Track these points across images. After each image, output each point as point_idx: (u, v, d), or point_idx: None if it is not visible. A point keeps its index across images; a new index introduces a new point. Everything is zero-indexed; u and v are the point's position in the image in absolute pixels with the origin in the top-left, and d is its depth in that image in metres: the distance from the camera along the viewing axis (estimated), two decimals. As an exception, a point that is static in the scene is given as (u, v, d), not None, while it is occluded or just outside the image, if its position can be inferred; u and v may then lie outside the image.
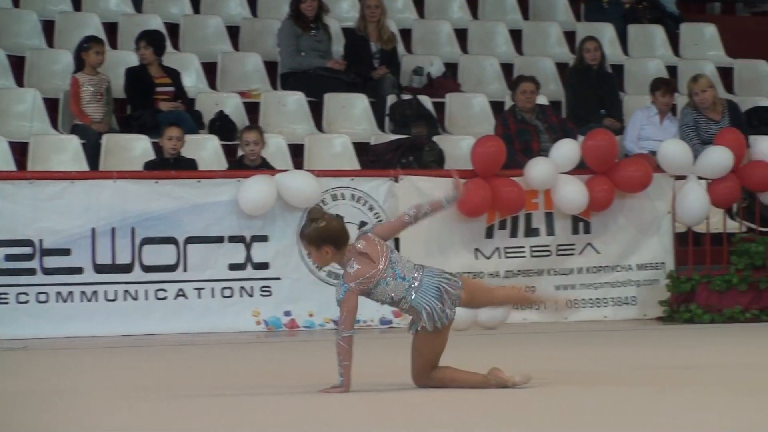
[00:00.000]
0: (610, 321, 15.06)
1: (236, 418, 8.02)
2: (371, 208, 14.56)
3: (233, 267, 14.04)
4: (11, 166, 15.55)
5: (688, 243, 15.35)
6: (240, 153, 15.66)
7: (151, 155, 15.57)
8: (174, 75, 16.37)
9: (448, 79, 18.58)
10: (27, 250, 13.74)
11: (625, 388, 9.39)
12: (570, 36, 19.97)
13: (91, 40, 16.31)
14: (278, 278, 14.47)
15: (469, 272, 14.47)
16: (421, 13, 20.28)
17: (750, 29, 22.31)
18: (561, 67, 19.17)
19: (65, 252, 13.63)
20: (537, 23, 21.06)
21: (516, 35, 20.37)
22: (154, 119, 15.94)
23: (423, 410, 7.67)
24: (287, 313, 14.44)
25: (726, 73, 19.93)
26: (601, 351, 12.63)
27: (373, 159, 16.56)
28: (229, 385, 9.79)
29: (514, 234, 14.64)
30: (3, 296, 13.77)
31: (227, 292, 14.07)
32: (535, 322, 15.01)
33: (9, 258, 13.83)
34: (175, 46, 18.13)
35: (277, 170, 15.15)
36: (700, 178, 15.11)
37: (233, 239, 14.14)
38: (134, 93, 16.54)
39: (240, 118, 16.80)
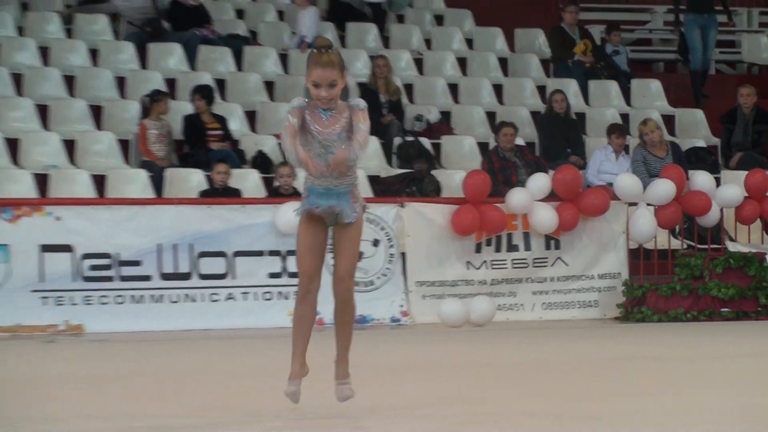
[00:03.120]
0: (577, 320, 15.16)
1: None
2: (382, 228, 14.68)
3: (272, 275, 14.31)
4: (93, 194, 16.00)
5: (639, 257, 15.50)
6: (276, 183, 16.06)
7: (204, 185, 16.01)
8: (222, 121, 16.77)
9: (444, 125, 18.70)
10: (106, 261, 14.09)
11: (587, 374, 9.93)
12: (542, 89, 19.97)
13: (159, 93, 16.71)
14: None
15: (463, 280, 15.01)
16: (420, 70, 20.37)
17: (688, 84, 21.87)
18: (534, 114, 19.24)
19: (137, 263, 13.96)
20: (515, 79, 21.08)
21: (498, 89, 20.41)
22: (206, 157, 16.40)
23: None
24: (316, 313, 15.19)
25: (669, 120, 19.95)
26: (570, 344, 12.83)
27: (383, 188, 16.76)
28: (269, 367, 9.74)
29: (498, 249, 14.78)
30: (88, 298, 14.13)
31: (267, 296, 14.36)
32: (517, 320, 15.02)
33: (92, 268, 14.13)
34: (223, 97, 18.25)
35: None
36: (648, 204, 15.24)
37: (272, 253, 14.36)
38: (190, 135, 16.92)
39: (275, 155, 16.88)
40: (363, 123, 5.78)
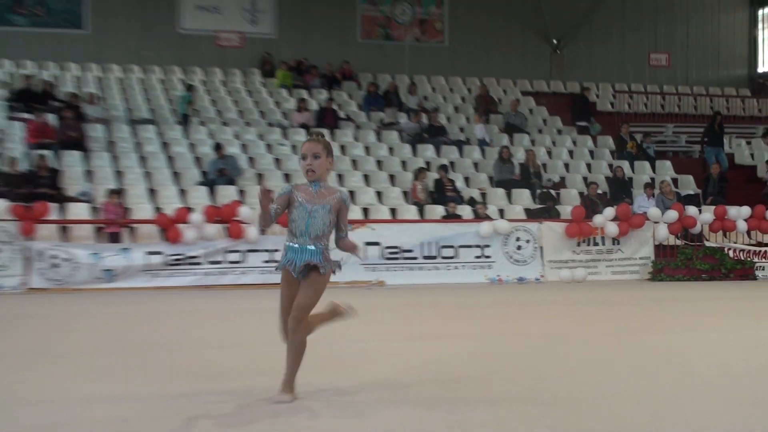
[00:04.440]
0: (627, 280, 18.35)
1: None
2: (531, 234, 18.45)
3: (476, 257, 18.03)
4: (389, 217, 19.29)
5: (660, 249, 18.95)
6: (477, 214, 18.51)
7: (443, 213, 19.24)
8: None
9: (560, 182, 22.18)
10: (396, 250, 17.76)
11: (642, 306, 13.07)
12: (611, 166, 23.16)
13: (421, 170, 20.61)
14: (494, 261, 18.25)
15: (571, 260, 18.62)
16: (550, 155, 23.73)
17: (688, 162, 25.68)
18: (607, 177, 22.51)
19: (410, 251, 17.84)
20: (599, 161, 24.22)
21: (588, 166, 23.92)
22: (444, 200, 20.15)
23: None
24: (498, 276, 18.10)
25: (675, 181, 22.81)
26: (626, 292, 15.99)
27: (530, 215, 19.91)
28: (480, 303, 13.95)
29: (588, 244, 18.86)
30: (388, 267, 17.81)
31: (473, 267, 18.09)
32: (596, 280, 18.15)
33: (390, 253, 17.62)
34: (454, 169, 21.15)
35: (492, 219, 18.48)
36: (664, 222, 18.92)
37: (476, 246, 18.14)
38: (437, 192, 20.28)
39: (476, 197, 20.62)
40: (346, 226, 5.94)
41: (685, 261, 18.25)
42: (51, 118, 20.00)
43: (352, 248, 5.85)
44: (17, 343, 9.20)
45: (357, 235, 16.75)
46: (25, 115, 20.66)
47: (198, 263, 16.59)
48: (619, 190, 21.01)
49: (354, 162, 21.03)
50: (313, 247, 5.76)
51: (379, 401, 5.84)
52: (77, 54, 25.21)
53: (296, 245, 5.73)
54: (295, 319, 5.65)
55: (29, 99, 21.35)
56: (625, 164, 22.55)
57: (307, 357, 5.78)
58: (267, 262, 16.61)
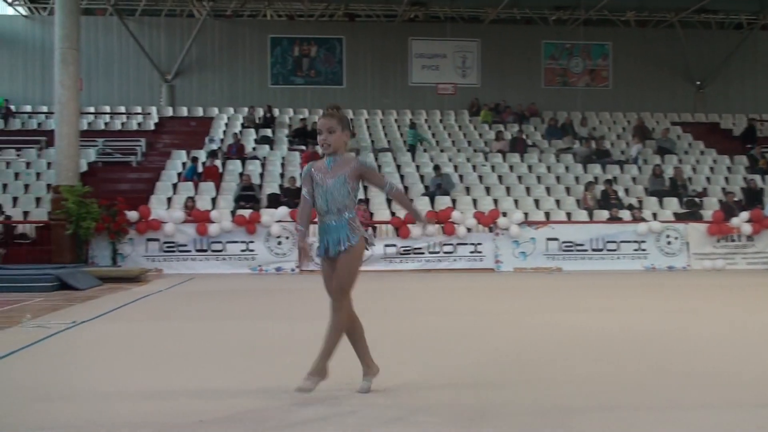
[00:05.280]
0: (760, 270, 17.32)
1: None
2: (679, 232, 17.66)
3: (635, 250, 17.22)
4: (563, 218, 18.29)
5: None
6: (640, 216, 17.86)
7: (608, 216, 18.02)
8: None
9: (704, 192, 20.28)
10: (571, 244, 17.08)
11: None
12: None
13: (590, 184, 18.97)
14: (648, 253, 17.14)
15: (712, 252, 17.55)
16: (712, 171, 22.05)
17: None
18: (743, 189, 20.46)
19: (582, 245, 16.96)
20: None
21: None
22: (609, 206, 18.72)
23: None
24: (652, 265, 17.11)
25: None
26: (762, 278, 14.92)
27: (677, 218, 18.45)
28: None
29: (727, 241, 17.84)
30: (564, 257, 17.04)
31: (632, 257, 17.16)
32: (734, 269, 16.97)
33: (565, 246, 16.93)
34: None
35: (647, 221, 17.67)
36: None
37: (631, 242, 17.22)
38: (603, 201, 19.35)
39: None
40: (383, 180, 4.65)
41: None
42: (318, 149, 19.87)
43: (413, 212, 4.74)
44: (295, 308, 9.49)
45: (541, 233, 16.99)
46: (301, 147, 21.72)
47: (421, 253, 16.84)
48: (753, 198, 20.06)
49: (538, 178, 20.77)
50: (335, 223, 4.50)
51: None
52: (337, 102, 25.50)
53: (323, 224, 4.52)
54: (336, 301, 4.48)
55: (304, 135, 22.49)
56: (758, 177, 21.43)
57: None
58: (472, 252, 16.98)
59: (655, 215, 18.62)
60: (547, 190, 20.09)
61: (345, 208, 4.47)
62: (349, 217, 4.46)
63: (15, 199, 18.10)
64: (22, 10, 26.26)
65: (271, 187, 18.85)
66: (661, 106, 27.09)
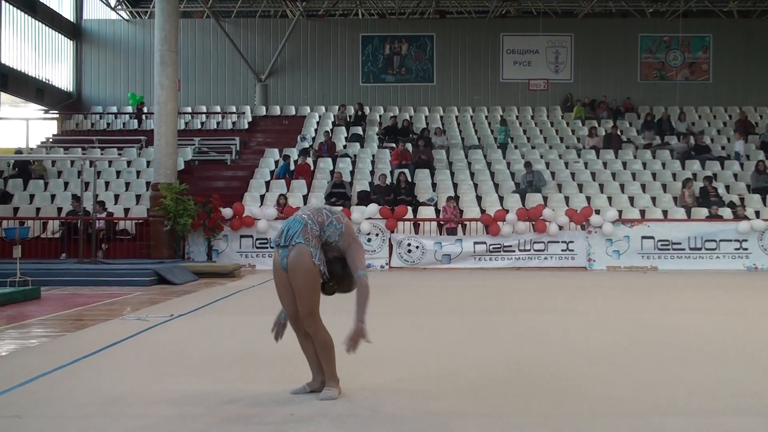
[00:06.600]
0: None
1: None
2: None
3: (735, 249, 16.42)
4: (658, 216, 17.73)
5: None
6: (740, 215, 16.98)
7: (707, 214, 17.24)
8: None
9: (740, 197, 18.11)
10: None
11: None
12: None
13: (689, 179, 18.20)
14: (750, 252, 16.51)
15: None
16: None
17: None
18: None
19: (679, 243, 16.32)
20: None
21: None
22: (709, 204, 17.69)
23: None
24: (754, 264, 16.55)
25: None
26: None
27: None
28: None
29: None
30: (659, 256, 16.26)
31: (733, 257, 16.57)
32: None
33: (662, 246, 16.21)
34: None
35: (750, 219, 16.94)
36: None
37: (732, 241, 16.58)
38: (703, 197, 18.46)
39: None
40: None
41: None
42: (408, 146, 21.01)
43: (358, 313, 4.64)
44: (387, 303, 9.43)
45: (635, 232, 16.54)
46: (391, 145, 21.85)
47: (512, 251, 16.65)
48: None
49: (633, 175, 20.28)
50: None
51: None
52: (428, 99, 26.75)
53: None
54: (309, 327, 4.65)
55: (394, 133, 22.70)
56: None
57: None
58: (564, 251, 16.71)
59: (758, 213, 18.03)
60: (642, 187, 19.62)
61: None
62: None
63: (117, 197, 18.67)
64: (125, 15, 27.65)
65: (362, 184, 19.01)
66: (765, 100, 26.35)
